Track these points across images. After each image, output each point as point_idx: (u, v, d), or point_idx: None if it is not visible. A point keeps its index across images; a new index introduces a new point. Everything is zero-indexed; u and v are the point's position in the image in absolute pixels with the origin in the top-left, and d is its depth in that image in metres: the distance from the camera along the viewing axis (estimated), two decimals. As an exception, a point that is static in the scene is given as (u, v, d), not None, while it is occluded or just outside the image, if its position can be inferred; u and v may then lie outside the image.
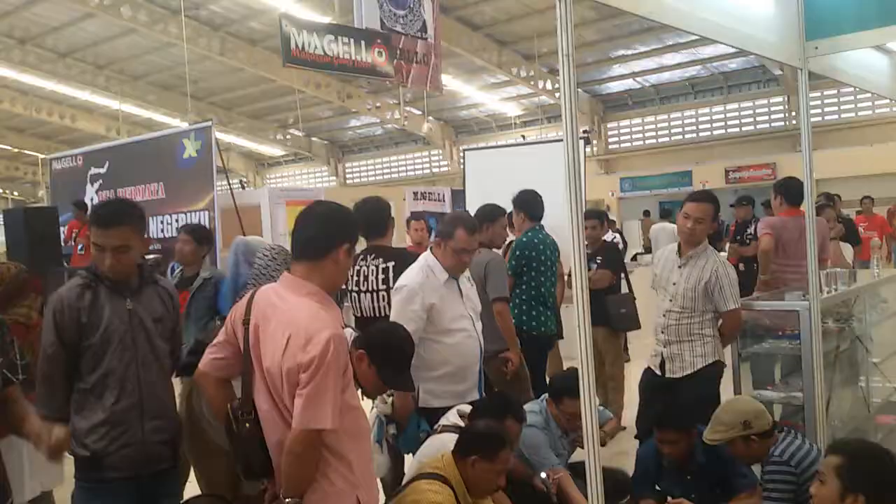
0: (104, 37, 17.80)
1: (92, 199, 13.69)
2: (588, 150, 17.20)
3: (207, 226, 11.39)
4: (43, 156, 21.64)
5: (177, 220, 12.04)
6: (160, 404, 2.84)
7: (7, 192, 32.81)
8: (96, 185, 13.51)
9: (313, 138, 26.86)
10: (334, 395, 2.21)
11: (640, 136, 22.44)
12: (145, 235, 2.89)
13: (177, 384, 3.08)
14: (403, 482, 3.22)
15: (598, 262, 6.11)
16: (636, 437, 4.44)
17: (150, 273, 2.93)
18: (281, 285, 2.44)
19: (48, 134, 26.08)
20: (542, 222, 5.36)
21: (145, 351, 2.80)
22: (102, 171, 13.43)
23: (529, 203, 5.34)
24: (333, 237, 2.38)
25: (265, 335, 2.34)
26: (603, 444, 3.47)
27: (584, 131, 15.49)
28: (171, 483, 2.95)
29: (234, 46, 17.65)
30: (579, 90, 20.09)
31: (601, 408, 4.35)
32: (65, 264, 7.22)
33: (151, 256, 7.16)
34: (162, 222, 12.30)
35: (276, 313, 2.33)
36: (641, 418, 4.41)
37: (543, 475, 3.78)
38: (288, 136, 25.96)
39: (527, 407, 3.95)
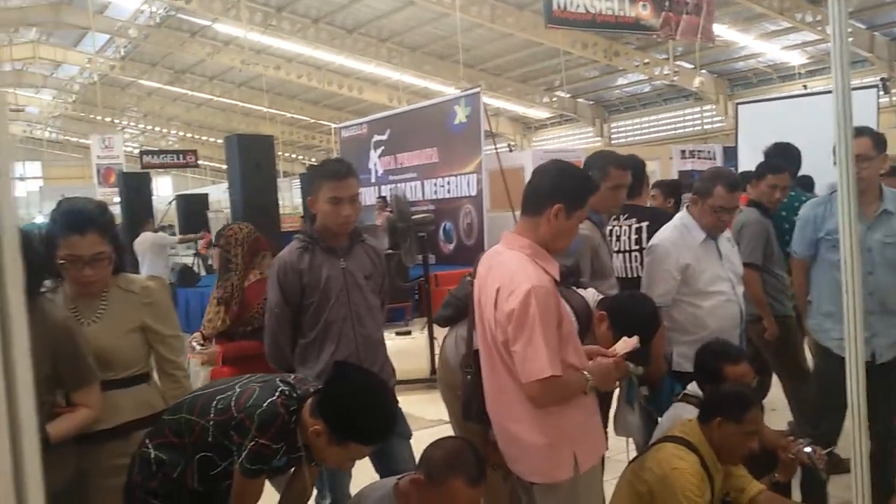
0: (385, 11, 19.07)
1: (374, 165, 14.92)
2: (886, 99, 15.32)
3: (475, 188, 11.93)
4: (334, 125, 23.89)
5: (448, 183, 12.74)
6: (374, 353, 3.08)
7: (306, 158, 36.67)
8: (379, 151, 14.68)
9: (578, 99, 26.69)
10: (547, 343, 2.23)
11: (955, 80, 19.46)
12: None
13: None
14: (649, 444, 3.19)
15: None
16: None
17: (358, 233, 3.13)
18: (501, 241, 2.52)
19: (339, 105, 28.57)
20: (820, 181, 4.92)
21: (359, 305, 3.02)
22: (384, 137, 14.56)
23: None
24: (548, 195, 2.37)
25: (483, 290, 2.44)
26: None
27: (882, 79, 13.77)
28: None
29: (503, 12, 18.00)
30: (875, 34, 17.84)
31: None
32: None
33: (422, 215, 7.64)
34: (435, 185, 13.09)
35: (491, 269, 2.43)
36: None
37: (809, 449, 3.49)
38: (554, 99, 26.05)
39: None
